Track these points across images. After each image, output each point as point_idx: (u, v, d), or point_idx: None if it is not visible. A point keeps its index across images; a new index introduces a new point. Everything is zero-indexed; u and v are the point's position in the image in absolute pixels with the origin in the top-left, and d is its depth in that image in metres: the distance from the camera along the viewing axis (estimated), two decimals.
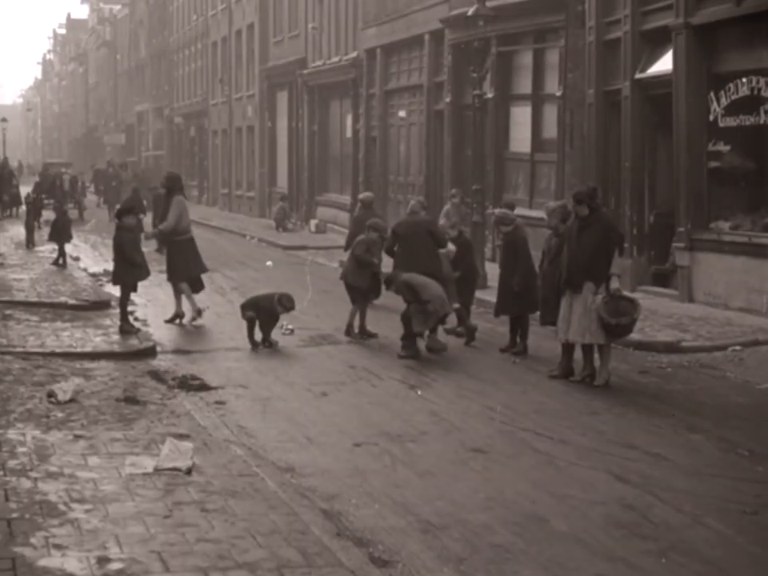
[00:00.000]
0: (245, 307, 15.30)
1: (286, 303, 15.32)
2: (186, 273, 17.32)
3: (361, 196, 22.19)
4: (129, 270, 15.72)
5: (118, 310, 16.06)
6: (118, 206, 36.09)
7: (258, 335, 15.10)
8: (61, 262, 24.12)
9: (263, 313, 15.14)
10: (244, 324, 15.29)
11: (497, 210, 16.93)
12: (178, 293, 17.41)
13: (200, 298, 20.21)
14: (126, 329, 15.33)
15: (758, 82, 16.99)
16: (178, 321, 17.10)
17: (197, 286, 17.61)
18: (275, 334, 15.31)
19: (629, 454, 9.74)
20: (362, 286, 15.71)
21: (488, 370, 13.67)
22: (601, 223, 12.74)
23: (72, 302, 17.81)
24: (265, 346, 15.02)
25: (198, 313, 17.16)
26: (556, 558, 7.24)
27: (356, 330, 15.85)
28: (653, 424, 10.87)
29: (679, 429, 10.71)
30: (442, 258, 15.06)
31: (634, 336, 15.39)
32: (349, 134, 35.55)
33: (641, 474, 9.09)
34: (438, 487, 8.75)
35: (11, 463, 8.58)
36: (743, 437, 10.34)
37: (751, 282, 16.91)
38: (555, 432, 10.50)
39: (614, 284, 12.47)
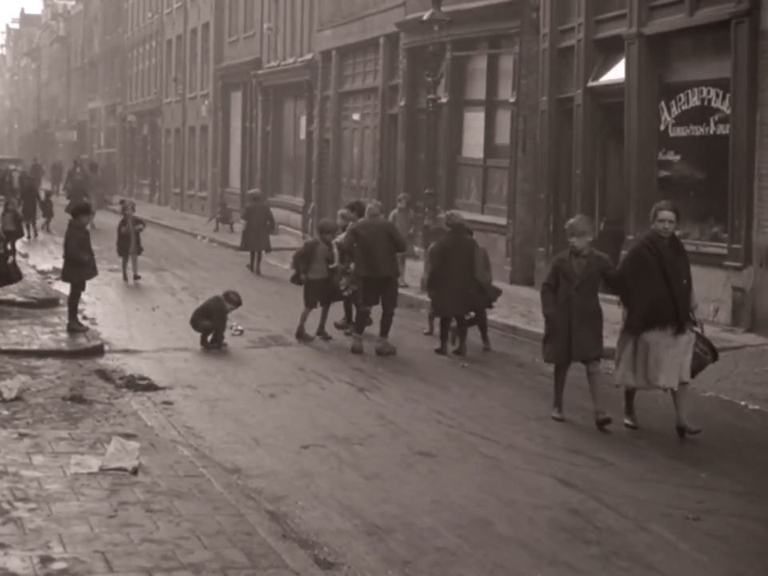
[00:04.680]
0: (197, 320, 15.21)
1: (233, 298, 15.38)
2: None
3: (251, 191, 28.24)
4: (75, 269, 15.56)
5: (66, 308, 15.94)
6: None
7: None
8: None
9: (217, 317, 15.10)
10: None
11: (449, 211, 16.95)
12: None
13: (150, 298, 20.20)
14: (74, 327, 15.21)
15: (708, 93, 17.17)
16: None
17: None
18: (225, 335, 15.28)
19: (574, 459, 9.81)
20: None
21: (437, 374, 13.71)
22: (681, 244, 11.17)
23: (20, 299, 17.65)
24: (215, 347, 14.98)
25: None
26: (500, 561, 7.28)
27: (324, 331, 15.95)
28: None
29: (624, 434, 10.80)
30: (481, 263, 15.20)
31: None
32: (302, 135, 35.51)
33: (586, 479, 9.16)
34: (385, 490, 8.77)
35: None
36: (687, 443, 10.46)
37: (698, 290, 16.95)
38: (502, 436, 10.56)
39: (699, 315, 11.22)
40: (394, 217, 20.65)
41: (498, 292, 15.88)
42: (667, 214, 10.78)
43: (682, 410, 10.71)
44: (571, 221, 11.57)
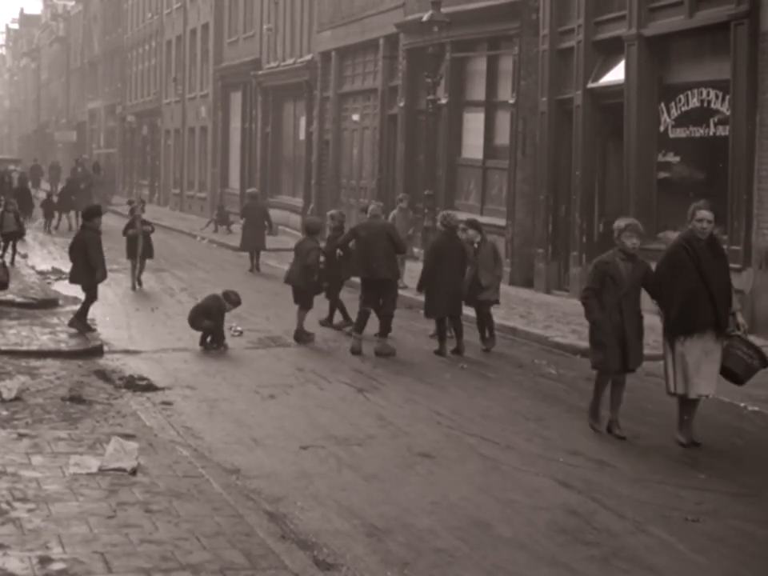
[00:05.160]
0: (196, 319, 15.17)
1: (234, 298, 15.36)
2: None
3: (249, 190, 28.89)
4: (89, 272, 15.45)
5: (71, 308, 15.92)
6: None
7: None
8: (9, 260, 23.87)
9: (216, 316, 15.09)
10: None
11: (445, 211, 16.91)
12: None
13: (150, 299, 20.19)
14: (80, 328, 15.16)
15: (708, 94, 17.18)
16: None
17: None
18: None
19: (573, 460, 9.80)
20: (301, 285, 15.91)
21: (436, 375, 13.70)
22: (720, 246, 10.72)
23: (19, 299, 17.65)
24: (214, 347, 14.97)
25: None
26: (499, 562, 7.28)
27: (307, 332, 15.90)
28: (597, 431, 10.94)
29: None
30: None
31: (581, 343, 15.52)
32: (302, 136, 35.52)
33: (585, 481, 9.16)
34: (384, 491, 8.76)
35: None
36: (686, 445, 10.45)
37: None
38: (501, 437, 10.56)
39: (741, 318, 10.49)
40: (394, 217, 20.68)
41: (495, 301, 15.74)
42: (705, 214, 10.27)
43: (692, 419, 10.41)
44: (629, 220, 10.90)
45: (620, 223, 10.77)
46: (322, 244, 16.72)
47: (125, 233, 21.78)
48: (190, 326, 15.24)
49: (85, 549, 6.72)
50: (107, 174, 55.38)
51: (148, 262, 22.41)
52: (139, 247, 21.47)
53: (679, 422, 10.48)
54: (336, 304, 16.99)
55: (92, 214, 15.93)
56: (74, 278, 15.92)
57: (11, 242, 24.46)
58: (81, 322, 15.31)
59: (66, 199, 36.40)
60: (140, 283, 21.60)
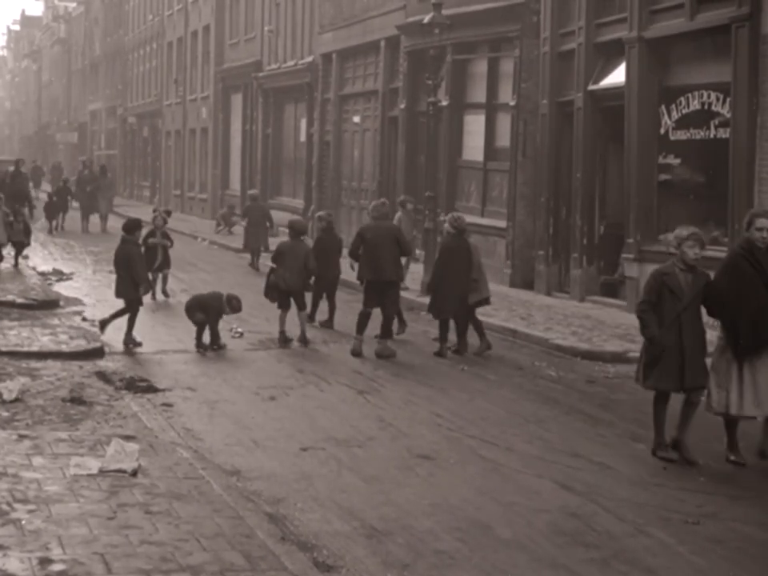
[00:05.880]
0: (192, 309, 15.20)
1: (235, 305, 15.34)
2: None
3: (250, 192, 30.56)
4: (135, 286, 15.23)
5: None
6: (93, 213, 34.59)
7: (206, 338, 15.09)
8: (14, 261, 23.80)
9: (213, 314, 15.09)
10: (192, 326, 15.25)
11: (455, 213, 16.85)
12: None
13: (150, 300, 20.12)
14: (130, 341, 15.09)
15: (708, 97, 17.17)
16: None
17: None
18: (224, 337, 15.30)
19: (573, 463, 9.81)
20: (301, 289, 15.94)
21: (436, 377, 13.71)
22: None
23: (20, 300, 17.66)
24: (213, 349, 14.97)
25: None
26: (499, 564, 7.28)
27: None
28: (598, 433, 10.96)
29: (624, 438, 10.81)
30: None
31: (582, 345, 15.55)
32: (303, 138, 35.51)
33: (585, 483, 9.17)
34: (384, 493, 8.77)
35: None
36: None
37: None
38: (501, 439, 10.57)
39: None
40: (399, 219, 20.68)
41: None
42: (765, 222, 9.74)
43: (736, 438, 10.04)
44: (692, 229, 10.04)
45: (682, 232, 9.98)
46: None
47: (144, 241, 19.90)
48: (185, 313, 15.31)
49: (85, 550, 6.73)
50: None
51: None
52: (158, 260, 20.47)
53: (729, 443, 10.07)
54: (316, 303, 17.18)
55: (133, 228, 15.59)
56: (119, 293, 15.50)
57: (15, 250, 24.35)
58: (128, 336, 15.26)
59: (63, 199, 36.37)
60: (167, 295, 20.74)
